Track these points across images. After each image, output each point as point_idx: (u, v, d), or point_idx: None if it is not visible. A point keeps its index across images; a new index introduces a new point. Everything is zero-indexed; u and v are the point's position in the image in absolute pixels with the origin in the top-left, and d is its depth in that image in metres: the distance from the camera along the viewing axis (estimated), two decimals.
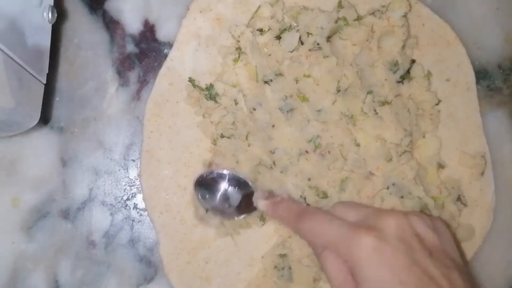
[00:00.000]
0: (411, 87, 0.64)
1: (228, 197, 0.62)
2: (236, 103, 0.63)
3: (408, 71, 0.64)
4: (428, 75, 0.65)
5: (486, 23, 0.68)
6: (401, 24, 0.63)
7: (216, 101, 0.63)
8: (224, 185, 0.62)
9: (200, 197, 0.62)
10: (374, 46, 0.64)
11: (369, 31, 0.63)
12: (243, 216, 0.62)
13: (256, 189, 0.61)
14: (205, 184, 0.62)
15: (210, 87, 0.63)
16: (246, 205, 0.61)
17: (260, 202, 0.59)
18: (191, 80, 0.64)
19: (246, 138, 0.62)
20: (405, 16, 0.64)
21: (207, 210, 0.63)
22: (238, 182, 0.62)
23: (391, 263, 0.46)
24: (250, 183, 0.62)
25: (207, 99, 0.63)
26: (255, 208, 0.61)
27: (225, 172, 0.62)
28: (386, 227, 0.48)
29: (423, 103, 0.64)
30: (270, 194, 0.61)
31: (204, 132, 0.64)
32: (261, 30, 0.64)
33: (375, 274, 0.46)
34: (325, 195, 0.63)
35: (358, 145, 0.63)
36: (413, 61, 0.65)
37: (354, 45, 0.64)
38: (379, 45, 0.64)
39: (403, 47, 0.64)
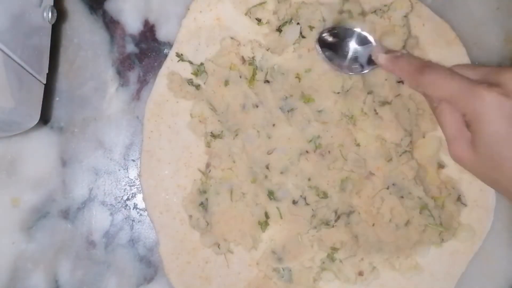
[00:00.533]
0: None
1: (357, 56, 0.62)
2: (226, 84, 0.63)
3: None
4: None
5: (486, 23, 0.68)
6: (402, 24, 0.63)
7: (197, 88, 0.63)
8: (352, 44, 0.62)
9: (325, 57, 0.62)
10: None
11: (372, 29, 0.63)
12: (367, 70, 0.62)
13: (376, 43, 0.61)
14: (328, 43, 0.62)
15: (199, 65, 0.64)
16: (368, 60, 0.62)
17: (380, 56, 0.59)
18: (178, 55, 0.64)
19: (236, 135, 0.62)
20: (406, 16, 0.64)
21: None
22: (359, 38, 0.62)
23: (509, 117, 0.48)
24: (371, 38, 0.62)
25: (189, 84, 0.63)
26: (374, 63, 0.61)
27: (348, 27, 0.62)
28: (508, 83, 0.49)
29: (424, 103, 0.64)
30: (389, 49, 0.61)
31: (194, 132, 0.64)
32: (259, 20, 0.64)
33: (492, 127, 0.48)
34: (325, 195, 0.63)
35: (358, 145, 0.63)
36: None
37: None
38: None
39: (404, 47, 0.64)
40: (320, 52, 0.62)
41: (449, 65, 0.65)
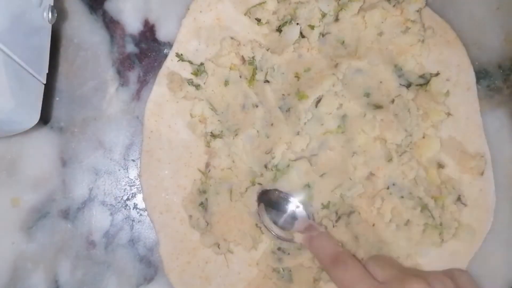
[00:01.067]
0: (424, 96, 0.64)
1: (296, 217, 0.61)
2: (226, 84, 0.63)
3: (426, 83, 0.64)
4: (447, 94, 0.65)
5: (486, 23, 0.68)
6: (414, 19, 0.63)
7: (197, 88, 0.63)
8: (291, 206, 0.62)
9: (264, 215, 0.62)
10: (385, 44, 0.64)
11: (382, 14, 0.63)
12: (294, 240, 0.62)
13: (303, 218, 0.61)
14: (269, 201, 0.62)
15: (199, 65, 0.64)
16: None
17: (297, 236, 0.61)
18: (178, 55, 0.64)
19: (236, 135, 0.62)
20: (418, 11, 0.64)
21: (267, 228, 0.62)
22: (296, 206, 0.62)
23: None
24: (301, 212, 0.61)
25: (189, 84, 0.63)
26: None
27: (287, 194, 0.62)
28: None
29: (431, 113, 0.64)
30: (309, 225, 0.61)
31: (194, 132, 0.64)
32: (259, 20, 0.64)
33: None
34: (326, 206, 0.63)
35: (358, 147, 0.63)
36: (436, 74, 0.65)
37: (366, 28, 0.64)
38: (394, 42, 0.64)
39: (423, 41, 0.63)
40: (259, 208, 0.62)
41: (450, 66, 0.66)
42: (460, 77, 0.66)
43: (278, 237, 0.62)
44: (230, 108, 0.64)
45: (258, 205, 0.62)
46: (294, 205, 0.62)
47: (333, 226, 0.62)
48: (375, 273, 0.55)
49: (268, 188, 0.62)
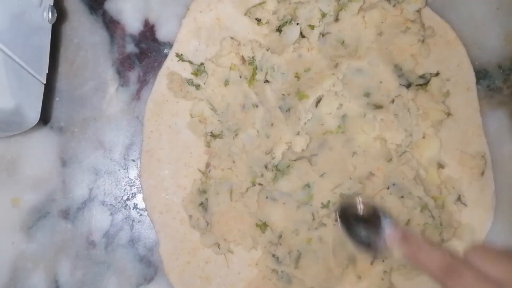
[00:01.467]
0: (424, 96, 0.64)
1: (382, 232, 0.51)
2: (226, 84, 0.63)
3: (426, 83, 0.64)
4: (447, 94, 0.65)
5: (486, 23, 0.68)
6: (413, 19, 0.63)
7: (197, 88, 0.63)
8: (379, 221, 0.52)
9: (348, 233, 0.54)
10: (385, 44, 0.64)
11: (382, 14, 0.63)
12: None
13: (388, 227, 0.51)
14: (353, 217, 0.55)
15: (199, 65, 0.64)
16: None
17: (395, 249, 0.50)
18: (178, 55, 0.64)
19: (236, 135, 0.62)
20: (418, 11, 0.64)
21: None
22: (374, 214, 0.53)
23: None
24: (387, 222, 0.51)
25: (189, 84, 0.63)
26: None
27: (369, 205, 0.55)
28: None
29: (431, 113, 0.64)
30: (404, 234, 0.50)
31: (194, 132, 0.64)
32: (259, 20, 0.64)
33: None
34: (325, 205, 0.62)
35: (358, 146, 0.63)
36: (436, 74, 0.65)
37: (366, 28, 0.64)
38: (394, 42, 0.64)
39: (423, 41, 0.63)
40: (341, 226, 0.55)
41: (450, 66, 0.66)
42: (460, 77, 0.66)
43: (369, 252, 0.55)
44: (230, 108, 0.64)
45: (340, 221, 0.55)
46: (379, 217, 0.52)
47: (333, 225, 0.62)
48: (486, 269, 0.44)
49: (346, 201, 0.56)
